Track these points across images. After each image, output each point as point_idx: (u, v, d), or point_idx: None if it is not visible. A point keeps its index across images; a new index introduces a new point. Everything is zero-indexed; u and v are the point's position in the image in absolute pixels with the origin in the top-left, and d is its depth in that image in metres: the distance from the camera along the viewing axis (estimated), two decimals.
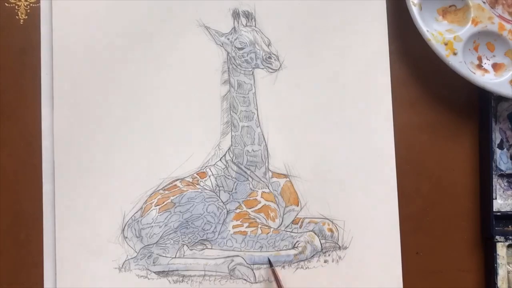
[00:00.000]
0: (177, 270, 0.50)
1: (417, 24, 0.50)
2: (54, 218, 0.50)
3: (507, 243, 0.50)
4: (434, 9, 0.51)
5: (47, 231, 0.50)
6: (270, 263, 0.50)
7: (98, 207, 0.50)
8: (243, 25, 0.52)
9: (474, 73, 0.50)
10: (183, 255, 0.50)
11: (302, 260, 0.50)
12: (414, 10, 0.50)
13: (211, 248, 0.50)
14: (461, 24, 0.51)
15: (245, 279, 0.50)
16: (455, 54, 0.50)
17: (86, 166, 0.50)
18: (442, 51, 0.50)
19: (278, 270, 0.50)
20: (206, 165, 0.51)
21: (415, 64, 0.50)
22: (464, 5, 0.51)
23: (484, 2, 0.50)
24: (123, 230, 0.50)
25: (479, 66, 0.51)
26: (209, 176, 0.51)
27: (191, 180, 0.51)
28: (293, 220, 0.51)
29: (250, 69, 0.52)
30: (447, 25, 0.51)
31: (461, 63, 0.50)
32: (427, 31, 0.50)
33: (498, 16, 0.50)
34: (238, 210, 0.51)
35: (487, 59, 0.51)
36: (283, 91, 0.52)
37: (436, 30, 0.50)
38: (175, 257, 0.50)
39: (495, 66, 0.51)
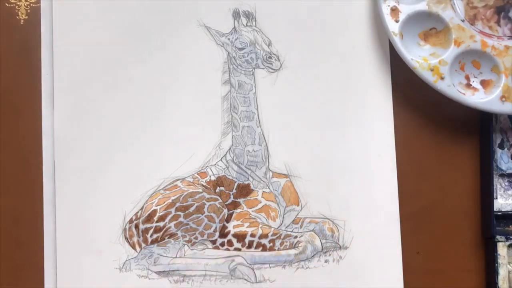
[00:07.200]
0: (177, 270, 0.50)
1: (401, 54, 0.49)
2: (54, 218, 0.50)
3: (508, 243, 0.50)
4: (415, 34, 0.50)
5: (47, 231, 0.50)
6: None
7: (99, 207, 0.50)
8: (243, 25, 0.52)
9: (464, 94, 0.49)
10: (184, 255, 0.50)
11: (302, 260, 0.50)
12: (396, 40, 0.49)
13: (211, 248, 0.50)
14: (444, 46, 0.50)
15: (245, 279, 0.50)
16: (442, 78, 0.49)
17: (87, 166, 0.50)
18: (429, 77, 0.49)
19: (279, 270, 0.50)
20: (207, 165, 0.51)
21: None
22: (444, 26, 0.50)
23: (462, 21, 0.50)
24: (123, 230, 0.50)
25: (468, 85, 0.50)
26: (210, 176, 0.51)
27: (191, 180, 0.51)
28: (293, 220, 0.51)
29: (251, 69, 0.52)
30: (430, 49, 0.50)
31: (450, 87, 0.49)
32: (412, 59, 0.49)
33: (479, 32, 0.50)
34: (238, 210, 0.51)
35: (475, 77, 0.50)
36: (284, 91, 0.52)
37: (420, 56, 0.49)
38: (175, 257, 0.50)
39: (484, 83, 0.50)
